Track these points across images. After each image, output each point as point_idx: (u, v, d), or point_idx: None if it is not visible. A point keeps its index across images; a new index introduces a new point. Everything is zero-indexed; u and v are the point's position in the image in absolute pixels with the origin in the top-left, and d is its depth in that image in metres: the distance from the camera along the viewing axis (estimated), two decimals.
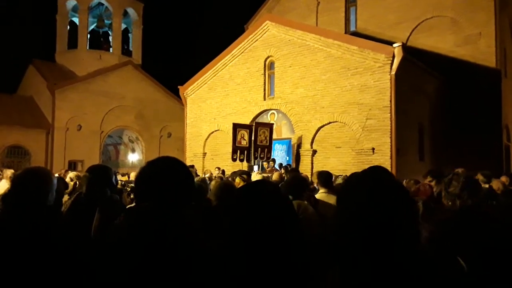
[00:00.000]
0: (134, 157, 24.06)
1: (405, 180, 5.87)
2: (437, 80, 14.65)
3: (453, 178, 2.87)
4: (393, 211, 1.25)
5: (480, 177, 5.67)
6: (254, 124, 13.19)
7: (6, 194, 2.24)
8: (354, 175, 1.48)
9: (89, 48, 23.44)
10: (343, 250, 1.25)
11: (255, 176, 7.83)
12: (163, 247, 1.47)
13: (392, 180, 1.39)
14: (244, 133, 12.79)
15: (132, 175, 10.72)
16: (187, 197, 1.70)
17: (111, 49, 24.10)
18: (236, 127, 12.92)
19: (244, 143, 12.75)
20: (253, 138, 12.71)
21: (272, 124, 13.52)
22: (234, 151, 12.73)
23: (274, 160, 12.75)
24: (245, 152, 12.77)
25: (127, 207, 3.47)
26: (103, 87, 21.55)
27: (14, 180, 2.13)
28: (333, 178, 6.01)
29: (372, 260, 1.19)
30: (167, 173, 1.68)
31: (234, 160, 12.82)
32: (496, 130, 15.19)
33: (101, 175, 3.21)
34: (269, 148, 12.89)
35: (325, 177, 4.54)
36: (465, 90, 14.52)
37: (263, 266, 1.27)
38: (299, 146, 13.50)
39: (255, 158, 12.69)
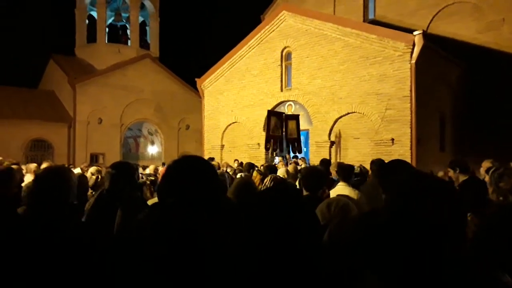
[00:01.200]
0: (153, 150, 24.39)
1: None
2: (459, 68, 14.29)
3: (504, 173, 2.84)
4: (440, 214, 1.20)
5: None
6: (283, 115, 12.61)
7: (29, 193, 2.31)
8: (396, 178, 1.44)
9: (107, 41, 23.72)
10: (382, 255, 1.21)
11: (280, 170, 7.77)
12: (185, 244, 1.51)
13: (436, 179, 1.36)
14: (278, 122, 12.16)
15: (151, 168, 10.85)
16: (210, 195, 1.73)
17: (129, 42, 24.34)
18: (270, 114, 12.19)
19: (278, 132, 12.08)
20: (283, 130, 12.14)
21: (298, 115, 13.02)
22: (267, 140, 11.92)
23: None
24: (278, 142, 12.14)
25: (148, 201, 3.54)
26: (122, 80, 21.83)
27: (35, 180, 2.20)
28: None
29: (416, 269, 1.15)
30: (191, 171, 1.71)
31: (267, 149, 12.10)
32: None
33: (123, 172, 3.26)
34: (298, 140, 12.41)
35: (345, 170, 4.44)
36: (488, 78, 14.11)
37: (273, 268, 1.31)
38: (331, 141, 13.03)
39: (287, 151, 12.14)
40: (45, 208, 2.07)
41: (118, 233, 2.74)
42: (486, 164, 5.56)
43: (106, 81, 21.36)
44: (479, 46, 14.76)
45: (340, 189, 4.29)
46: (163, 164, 15.68)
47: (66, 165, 13.63)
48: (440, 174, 7.15)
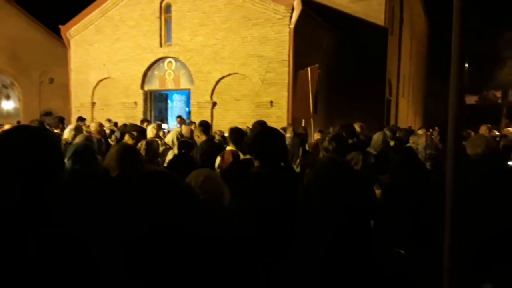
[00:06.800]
0: (9, 105, 21.11)
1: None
2: (333, 35, 15.12)
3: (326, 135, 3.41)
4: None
5: (388, 132, 6.26)
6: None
7: None
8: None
9: None
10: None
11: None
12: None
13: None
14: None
15: (6, 127, 9.29)
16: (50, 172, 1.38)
17: None
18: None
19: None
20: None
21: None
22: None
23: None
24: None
25: None
26: None
27: None
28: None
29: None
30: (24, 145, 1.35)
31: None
32: (381, 84, 16.54)
33: None
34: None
35: (236, 134, 4.53)
36: (356, 46, 15.27)
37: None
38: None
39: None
40: None
41: None
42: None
43: None
44: (351, 15, 15.79)
45: None
46: (18, 122, 13.64)
47: None
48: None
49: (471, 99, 37.42)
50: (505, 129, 18.82)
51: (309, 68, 9.15)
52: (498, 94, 42.42)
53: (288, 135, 7.24)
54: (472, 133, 8.24)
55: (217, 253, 1.35)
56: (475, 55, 23.50)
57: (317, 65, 9.38)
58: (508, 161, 4.25)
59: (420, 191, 2.78)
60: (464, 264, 0.97)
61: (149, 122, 11.18)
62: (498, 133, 12.76)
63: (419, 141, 5.68)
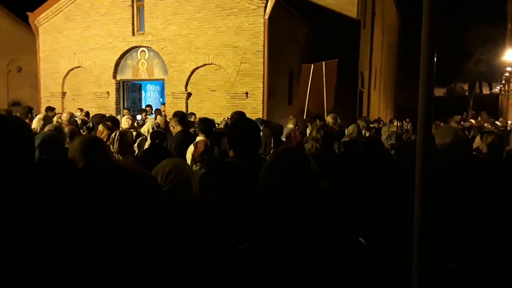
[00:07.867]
0: None
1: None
2: (307, 27, 15.24)
3: (314, 126, 3.48)
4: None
5: (362, 123, 6.46)
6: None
7: None
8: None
9: None
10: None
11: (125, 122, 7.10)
12: None
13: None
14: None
15: None
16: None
17: None
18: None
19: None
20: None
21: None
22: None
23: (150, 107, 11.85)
24: None
25: None
26: None
27: None
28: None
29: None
30: None
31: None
32: (353, 77, 16.83)
33: None
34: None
35: (204, 124, 4.50)
36: (330, 38, 15.44)
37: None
38: None
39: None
40: None
41: None
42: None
43: None
44: (325, 7, 15.94)
45: None
46: None
47: None
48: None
49: (439, 92, 38.66)
50: (470, 120, 19.64)
51: (323, 63, 9.13)
52: (465, 86, 44.06)
53: (291, 126, 7.70)
54: (442, 124, 8.57)
55: (178, 238, 1.34)
56: (443, 48, 24.26)
57: (335, 60, 9.31)
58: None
59: (383, 180, 2.87)
60: (433, 252, 0.97)
61: (146, 113, 11.12)
62: (464, 123, 13.31)
63: (386, 132, 5.90)
